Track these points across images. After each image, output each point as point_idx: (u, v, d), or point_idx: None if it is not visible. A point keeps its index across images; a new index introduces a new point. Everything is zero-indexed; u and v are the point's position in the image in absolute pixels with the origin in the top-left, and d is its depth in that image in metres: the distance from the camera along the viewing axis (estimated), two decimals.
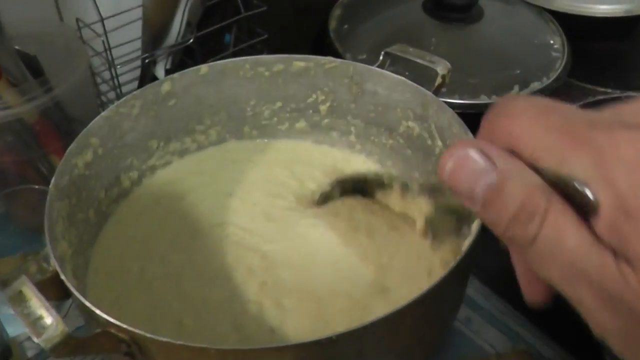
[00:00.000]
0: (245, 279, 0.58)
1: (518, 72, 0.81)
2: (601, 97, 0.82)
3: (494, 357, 0.62)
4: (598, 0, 0.97)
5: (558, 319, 0.56)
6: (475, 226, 0.51)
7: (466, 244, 0.50)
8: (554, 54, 0.86)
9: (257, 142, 0.74)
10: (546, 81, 0.81)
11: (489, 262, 0.58)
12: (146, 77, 0.75)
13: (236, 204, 0.66)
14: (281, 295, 0.57)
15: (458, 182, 0.29)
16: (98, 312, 0.45)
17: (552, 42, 0.88)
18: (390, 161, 0.70)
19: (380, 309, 0.50)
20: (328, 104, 0.71)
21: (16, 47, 0.66)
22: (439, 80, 0.62)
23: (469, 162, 0.29)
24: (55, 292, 0.50)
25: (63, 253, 0.54)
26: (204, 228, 0.64)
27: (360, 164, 0.71)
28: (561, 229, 0.27)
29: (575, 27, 0.93)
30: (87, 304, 0.45)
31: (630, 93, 0.83)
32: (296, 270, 0.59)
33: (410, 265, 0.59)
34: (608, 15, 0.97)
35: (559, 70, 0.83)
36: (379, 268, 0.59)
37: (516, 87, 0.79)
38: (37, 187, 0.67)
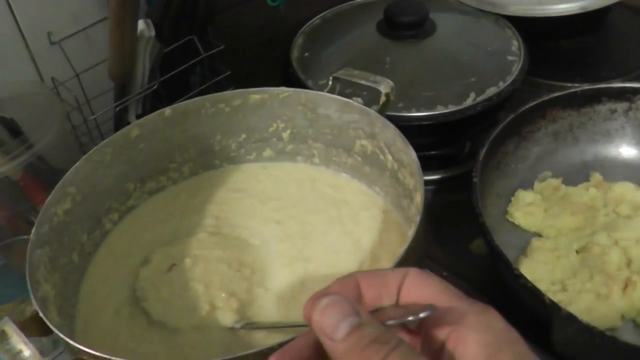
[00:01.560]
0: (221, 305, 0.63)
1: (474, 79, 0.84)
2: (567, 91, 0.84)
3: None
4: (553, 0, 1.00)
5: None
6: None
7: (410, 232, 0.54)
8: (510, 58, 0.89)
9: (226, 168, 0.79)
10: (502, 85, 0.83)
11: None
12: (120, 124, 0.81)
13: (212, 222, 0.72)
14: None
15: (327, 316, 0.34)
16: (70, 341, 0.49)
17: (508, 47, 0.91)
18: (352, 178, 0.75)
19: None
20: (289, 131, 0.75)
21: None
22: (382, 98, 0.67)
23: (340, 304, 0.34)
24: (37, 329, 0.55)
25: (46, 294, 0.59)
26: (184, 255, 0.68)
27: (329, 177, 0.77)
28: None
29: (535, 28, 0.97)
30: (61, 335, 0.50)
31: (600, 85, 0.86)
32: None
33: None
34: (565, 14, 1.00)
35: (515, 74, 0.86)
36: None
37: (472, 94, 0.82)
38: (24, 237, 0.72)
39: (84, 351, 0.49)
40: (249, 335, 0.60)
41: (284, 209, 0.73)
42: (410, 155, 0.62)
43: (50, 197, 0.64)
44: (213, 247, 0.68)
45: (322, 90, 0.72)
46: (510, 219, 0.77)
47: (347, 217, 0.71)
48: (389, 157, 0.68)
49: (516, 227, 0.76)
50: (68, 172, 0.66)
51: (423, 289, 0.37)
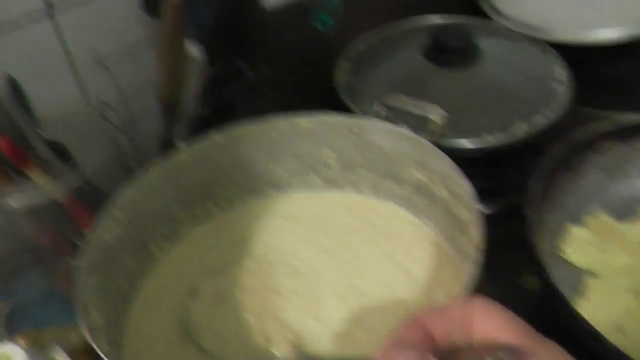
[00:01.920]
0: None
1: (518, 107, 0.82)
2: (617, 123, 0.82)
3: None
4: (598, 26, 0.98)
5: None
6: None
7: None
8: (556, 85, 0.87)
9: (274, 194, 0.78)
10: (548, 114, 0.82)
11: None
12: (168, 147, 0.80)
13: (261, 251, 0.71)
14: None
15: None
16: None
17: (552, 72, 0.90)
18: (401, 207, 0.74)
19: None
20: (338, 159, 0.74)
21: (43, 135, 0.71)
22: (434, 127, 0.66)
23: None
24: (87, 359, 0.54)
25: (95, 322, 0.58)
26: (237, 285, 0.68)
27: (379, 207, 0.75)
28: None
29: (576, 53, 0.95)
30: None
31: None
32: None
33: None
34: (612, 42, 0.98)
35: (562, 103, 0.84)
36: None
37: (519, 124, 0.80)
38: (71, 259, 0.71)
39: None
40: None
41: (334, 238, 0.72)
42: (465, 188, 0.61)
43: (98, 221, 0.63)
44: (262, 276, 0.67)
45: (368, 116, 0.71)
46: (562, 255, 0.75)
47: (398, 248, 0.69)
48: (441, 189, 0.66)
49: (566, 263, 0.74)
50: (117, 197, 0.65)
51: (491, 322, 0.37)
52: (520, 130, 0.80)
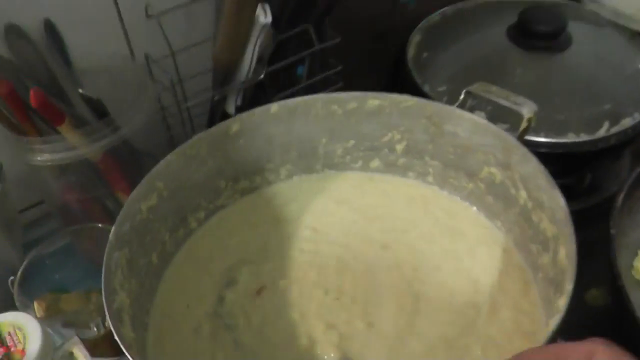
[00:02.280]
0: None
1: (608, 106, 0.75)
2: None
3: None
4: None
5: None
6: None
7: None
8: None
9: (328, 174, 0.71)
10: (638, 117, 0.74)
11: None
12: (216, 113, 0.73)
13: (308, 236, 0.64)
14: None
15: None
16: None
17: None
18: (470, 205, 0.66)
19: None
20: (404, 143, 0.67)
21: (80, 90, 0.65)
22: (524, 124, 0.57)
23: None
24: (109, 349, 0.48)
25: (121, 304, 0.52)
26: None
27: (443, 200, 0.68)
28: None
29: None
30: None
31: None
32: None
33: None
34: None
35: None
36: None
37: (606, 124, 0.73)
38: (100, 225, 0.65)
39: None
40: None
41: (392, 231, 0.64)
42: (555, 199, 0.53)
43: (134, 192, 0.57)
44: (307, 268, 0.60)
45: (442, 99, 0.64)
46: (636, 276, 0.68)
47: (463, 250, 0.62)
48: (523, 194, 0.58)
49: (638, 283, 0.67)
50: (157, 166, 0.59)
51: None
52: (608, 132, 0.73)
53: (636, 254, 0.69)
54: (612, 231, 0.61)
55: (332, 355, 0.53)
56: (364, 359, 0.54)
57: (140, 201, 0.57)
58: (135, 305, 0.55)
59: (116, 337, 0.46)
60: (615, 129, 0.73)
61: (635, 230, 0.70)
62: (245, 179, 0.68)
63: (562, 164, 0.76)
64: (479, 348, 0.54)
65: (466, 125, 0.61)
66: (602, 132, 0.73)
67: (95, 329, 0.60)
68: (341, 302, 0.58)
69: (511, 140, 0.57)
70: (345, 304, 0.58)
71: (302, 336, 0.55)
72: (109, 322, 0.47)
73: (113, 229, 0.53)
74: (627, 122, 0.74)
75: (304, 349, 0.54)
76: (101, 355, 0.47)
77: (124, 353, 0.46)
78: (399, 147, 0.67)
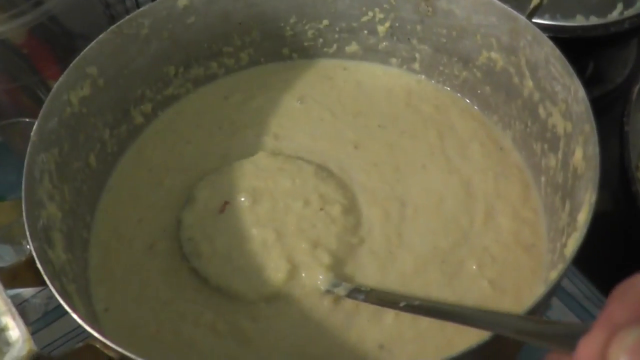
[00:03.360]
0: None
1: None
2: None
3: None
4: None
5: None
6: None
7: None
8: None
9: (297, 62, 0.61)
10: None
11: None
12: None
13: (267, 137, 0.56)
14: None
15: None
16: (85, 325, 0.34)
17: None
18: (462, 97, 0.57)
19: None
20: (388, 24, 0.58)
21: None
22: (535, 1, 0.48)
23: None
24: (32, 277, 0.39)
25: (50, 219, 0.44)
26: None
27: (430, 91, 0.59)
28: None
29: None
30: (74, 315, 0.35)
31: None
32: None
33: None
34: None
35: None
36: None
37: (619, 6, 0.64)
38: (27, 120, 0.56)
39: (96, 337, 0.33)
40: (356, 311, 0.44)
41: (365, 127, 0.56)
42: (571, 89, 0.44)
43: (61, 80, 0.48)
44: (277, 174, 0.51)
45: None
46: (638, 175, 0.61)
47: (452, 148, 0.54)
48: (529, 83, 0.50)
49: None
50: (88, 48, 0.50)
51: None
52: (622, 15, 0.64)
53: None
54: (627, 128, 0.53)
55: (324, 278, 0.45)
56: (355, 279, 0.46)
57: (69, 90, 0.48)
58: (69, 219, 0.47)
59: (38, 264, 0.37)
60: (629, 12, 0.64)
61: None
62: (199, 65, 0.59)
63: (565, 52, 0.68)
64: (474, 263, 0.47)
65: (465, 3, 0.52)
66: (615, 15, 0.64)
67: (29, 246, 0.51)
68: (327, 213, 0.49)
69: (520, 19, 0.49)
70: (333, 214, 0.49)
71: (281, 261, 0.46)
72: (30, 245, 0.38)
73: (35, 125, 0.45)
74: None
75: (285, 277, 0.45)
76: (24, 285, 0.39)
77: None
78: (381, 29, 0.58)
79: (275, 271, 0.45)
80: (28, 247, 0.51)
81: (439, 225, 0.49)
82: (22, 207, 0.55)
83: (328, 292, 0.44)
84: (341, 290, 0.44)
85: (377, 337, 0.43)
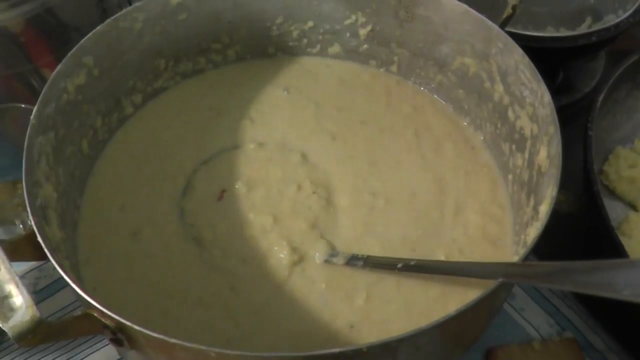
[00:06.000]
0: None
1: (592, 1, 0.70)
2: None
3: (538, 344, 0.54)
4: None
5: (615, 308, 0.49)
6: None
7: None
8: None
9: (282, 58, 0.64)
10: (622, 14, 0.68)
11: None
12: None
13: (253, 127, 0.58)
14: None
15: None
16: (83, 294, 0.36)
17: None
18: (438, 98, 0.60)
19: None
20: (369, 27, 0.60)
21: None
22: (508, 11, 0.51)
23: None
24: (31, 251, 0.41)
25: (47, 198, 0.46)
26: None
27: (408, 92, 0.61)
28: None
29: None
30: (73, 285, 0.37)
31: None
32: None
33: None
34: None
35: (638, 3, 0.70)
36: None
37: (588, 19, 0.68)
38: (23, 106, 0.57)
39: (94, 306, 0.35)
40: (330, 291, 0.47)
41: (348, 122, 0.58)
42: (538, 94, 0.48)
43: (60, 67, 0.49)
44: (267, 164, 0.54)
45: None
46: (604, 181, 0.65)
47: (428, 146, 0.57)
48: (499, 87, 0.53)
49: (607, 188, 0.65)
50: (85, 38, 0.51)
51: None
52: (590, 28, 0.68)
53: (606, 159, 0.65)
54: (590, 133, 0.57)
55: (322, 249, 0.49)
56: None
57: (66, 78, 0.50)
58: (63, 200, 0.49)
59: (38, 237, 0.39)
60: (597, 26, 0.67)
61: (609, 134, 0.66)
62: (188, 59, 0.61)
63: (535, 61, 0.71)
64: (442, 253, 0.50)
65: (442, 11, 0.55)
66: (583, 28, 0.68)
67: (20, 226, 0.53)
68: (319, 196, 0.52)
69: (494, 28, 0.52)
70: (324, 197, 0.52)
71: (282, 242, 0.49)
72: (30, 220, 0.40)
73: (35, 109, 0.46)
74: (610, 19, 0.69)
75: (288, 258, 0.49)
76: (23, 259, 0.41)
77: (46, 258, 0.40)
78: (363, 32, 0.61)
79: (277, 252, 0.49)
80: (21, 226, 0.54)
81: (409, 217, 0.52)
82: (12, 188, 0.58)
83: (326, 262, 0.48)
84: (340, 259, 0.48)
85: (349, 318, 0.45)
